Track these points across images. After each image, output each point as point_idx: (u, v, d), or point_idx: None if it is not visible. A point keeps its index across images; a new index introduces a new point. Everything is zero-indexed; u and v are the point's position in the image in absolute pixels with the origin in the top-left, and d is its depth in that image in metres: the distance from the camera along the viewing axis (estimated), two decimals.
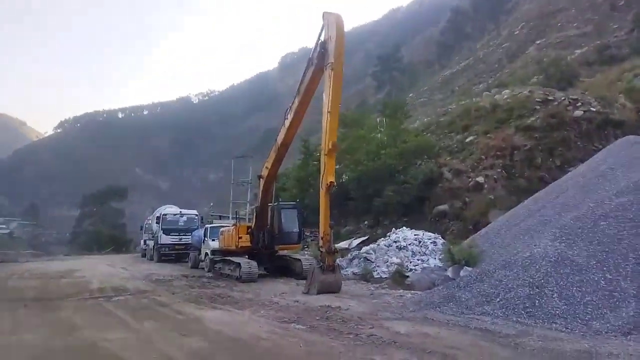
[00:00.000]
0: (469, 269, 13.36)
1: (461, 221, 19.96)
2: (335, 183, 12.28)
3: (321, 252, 12.25)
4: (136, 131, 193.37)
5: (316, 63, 13.16)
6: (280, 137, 15.32)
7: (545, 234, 10.55)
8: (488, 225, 17.24)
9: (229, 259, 16.35)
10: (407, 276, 14.64)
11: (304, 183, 28.87)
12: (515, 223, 15.21)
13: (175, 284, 15.11)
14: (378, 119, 33.59)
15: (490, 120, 23.82)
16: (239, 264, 15.20)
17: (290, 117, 14.63)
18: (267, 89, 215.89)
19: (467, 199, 20.63)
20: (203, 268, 20.31)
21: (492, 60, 66.97)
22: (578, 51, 47.23)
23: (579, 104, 22.16)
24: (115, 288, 14.09)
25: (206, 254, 19.69)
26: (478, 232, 16.88)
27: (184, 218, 25.87)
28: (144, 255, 29.96)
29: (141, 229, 32.24)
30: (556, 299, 7.50)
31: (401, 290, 12.51)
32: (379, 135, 28.58)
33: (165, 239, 24.75)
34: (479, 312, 8.09)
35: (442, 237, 18.17)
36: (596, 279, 8.01)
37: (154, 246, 26.02)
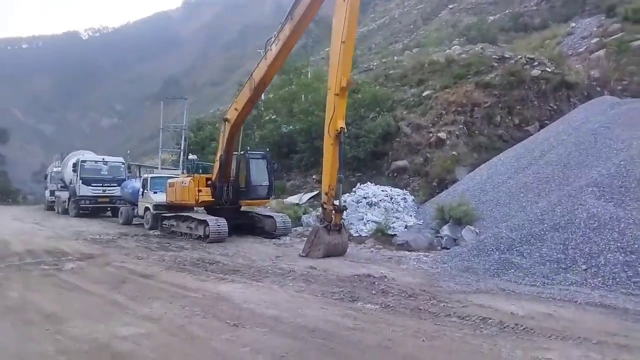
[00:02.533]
0: (472, 228, 12.55)
1: (422, 177, 19.23)
2: (345, 129, 10.34)
3: (325, 209, 10.50)
4: (13, 68, 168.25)
5: None
6: (260, 73, 12.71)
7: (574, 192, 9.77)
8: (459, 182, 16.67)
9: (188, 216, 13.85)
10: (393, 235, 13.53)
11: None
12: (501, 180, 14.59)
13: (124, 245, 12.43)
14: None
15: (447, 75, 23.02)
16: (205, 221, 12.87)
17: (276, 48, 12.05)
18: (167, 30, 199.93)
19: (428, 155, 19.87)
20: (140, 224, 17.45)
21: (408, 21, 67.49)
22: (491, 17, 48.72)
23: (535, 63, 22.11)
24: (49, 251, 11.10)
25: (147, 208, 16.80)
26: (452, 189, 16.22)
27: (107, 166, 21.94)
28: (50, 209, 25.58)
29: (45, 178, 27.48)
30: None
31: (408, 252, 11.26)
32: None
33: (86, 191, 20.87)
34: (563, 281, 7.05)
35: (411, 194, 17.40)
36: None
37: (69, 198, 22.00)
